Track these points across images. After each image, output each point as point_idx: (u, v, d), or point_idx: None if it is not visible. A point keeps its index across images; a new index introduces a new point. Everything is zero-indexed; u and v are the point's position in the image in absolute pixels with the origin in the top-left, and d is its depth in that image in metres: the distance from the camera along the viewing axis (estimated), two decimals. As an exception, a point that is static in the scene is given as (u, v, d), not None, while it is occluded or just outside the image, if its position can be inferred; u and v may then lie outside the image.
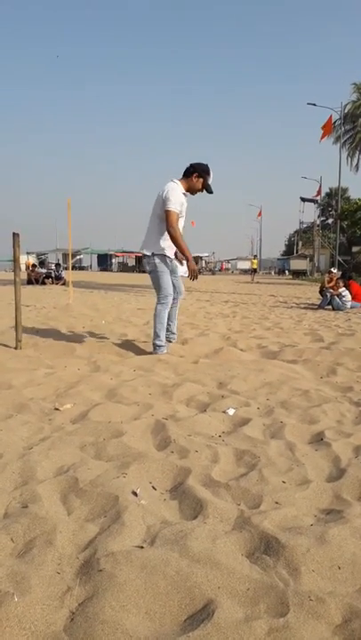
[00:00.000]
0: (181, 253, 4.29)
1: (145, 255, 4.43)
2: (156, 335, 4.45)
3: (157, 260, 4.34)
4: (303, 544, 1.48)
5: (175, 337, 4.85)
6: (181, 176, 4.37)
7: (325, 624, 1.20)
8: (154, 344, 4.48)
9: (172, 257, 4.41)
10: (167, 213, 4.15)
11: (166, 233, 4.24)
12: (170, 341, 4.76)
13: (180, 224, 4.31)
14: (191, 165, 4.33)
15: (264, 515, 1.67)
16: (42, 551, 1.44)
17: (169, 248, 4.34)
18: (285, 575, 1.37)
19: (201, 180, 4.32)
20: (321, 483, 1.98)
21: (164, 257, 4.35)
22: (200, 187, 4.36)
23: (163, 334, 4.47)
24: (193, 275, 4.35)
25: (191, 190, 4.38)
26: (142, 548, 1.47)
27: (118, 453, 2.19)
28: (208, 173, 4.33)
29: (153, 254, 4.35)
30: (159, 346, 4.46)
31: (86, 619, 1.19)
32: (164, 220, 4.19)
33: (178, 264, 4.56)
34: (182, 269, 4.62)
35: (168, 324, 4.67)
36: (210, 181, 4.35)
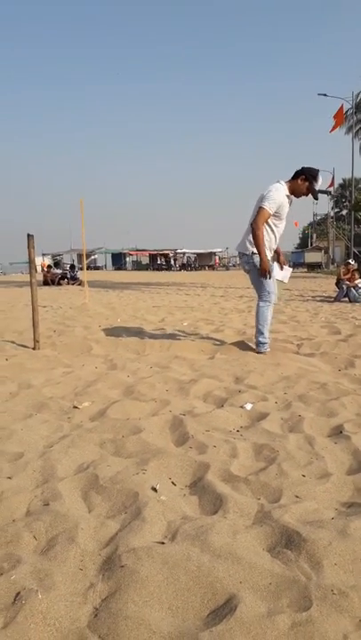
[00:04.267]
0: (256, 249, 4.14)
1: (242, 254, 4.33)
2: (260, 332, 4.35)
3: (257, 259, 4.20)
4: (325, 537, 1.47)
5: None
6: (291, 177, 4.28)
7: (349, 617, 1.19)
8: (257, 341, 4.39)
9: (270, 257, 4.28)
10: (259, 210, 4.09)
11: (265, 232, 4.15)
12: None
13: (281, 227, 4.27)
14: (302, 168, 4.25)
15: (284, 509, 1.66)
16: (64, 548, 1.46)
17: (267, 248, 4.22)
18: (307, 569, 1.36)
19: (307, 183, 4.21)
20: (341, 476, 1.96)
21: None
22: (305, 190, 4.26)
23: (266, 332, 4.36)
24: (263, 274, 4.20)
25: (296, 193, 4.27)
26: (163, 543, 1.48)
27: (137, 450, 2.20)
28: (316, 179, 4.22)
29: (252, 253, 4.22)
30: (262, 343, 4.35)
31: (110, 614, 1.20)
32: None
33: (277, 267, 4.49)
34: (280, 274, 4.55)
35: None
36: (316, 187, 4.25)
